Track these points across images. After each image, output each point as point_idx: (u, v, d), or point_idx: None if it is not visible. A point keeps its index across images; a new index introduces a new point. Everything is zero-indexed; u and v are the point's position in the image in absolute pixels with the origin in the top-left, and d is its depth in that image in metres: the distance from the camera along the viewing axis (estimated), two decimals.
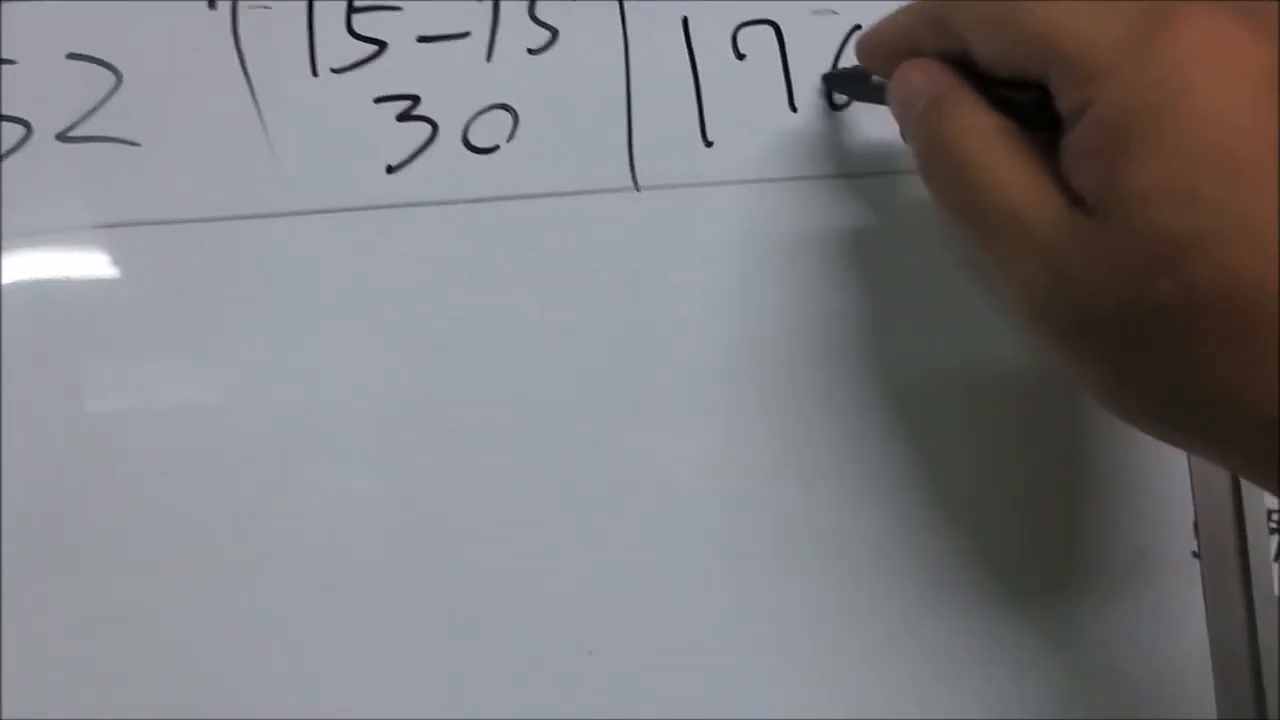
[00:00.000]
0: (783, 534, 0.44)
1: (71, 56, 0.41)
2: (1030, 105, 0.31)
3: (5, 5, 0.40)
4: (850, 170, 0.44)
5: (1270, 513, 0.53)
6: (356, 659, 0.42)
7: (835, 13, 0.44)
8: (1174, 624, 0.47)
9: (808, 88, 0.44)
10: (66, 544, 0.40)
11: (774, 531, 0.44)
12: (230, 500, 0.41)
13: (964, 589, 0.45)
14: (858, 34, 0.40)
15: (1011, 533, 0.45)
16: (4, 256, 0.40)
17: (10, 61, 0.40)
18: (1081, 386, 0.32)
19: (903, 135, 0.36)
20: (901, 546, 0.45)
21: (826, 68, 0.44)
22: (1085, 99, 0.29)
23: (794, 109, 0.44)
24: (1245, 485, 0.46)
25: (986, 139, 0.32)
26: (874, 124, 0.44)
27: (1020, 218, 0.30)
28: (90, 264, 0.41)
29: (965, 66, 0.33)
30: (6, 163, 0.40)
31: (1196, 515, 0.46)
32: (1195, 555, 0.47)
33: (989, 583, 0.45)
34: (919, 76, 0.35)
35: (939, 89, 0.34)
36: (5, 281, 0.40)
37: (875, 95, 0.38)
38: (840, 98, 0.44)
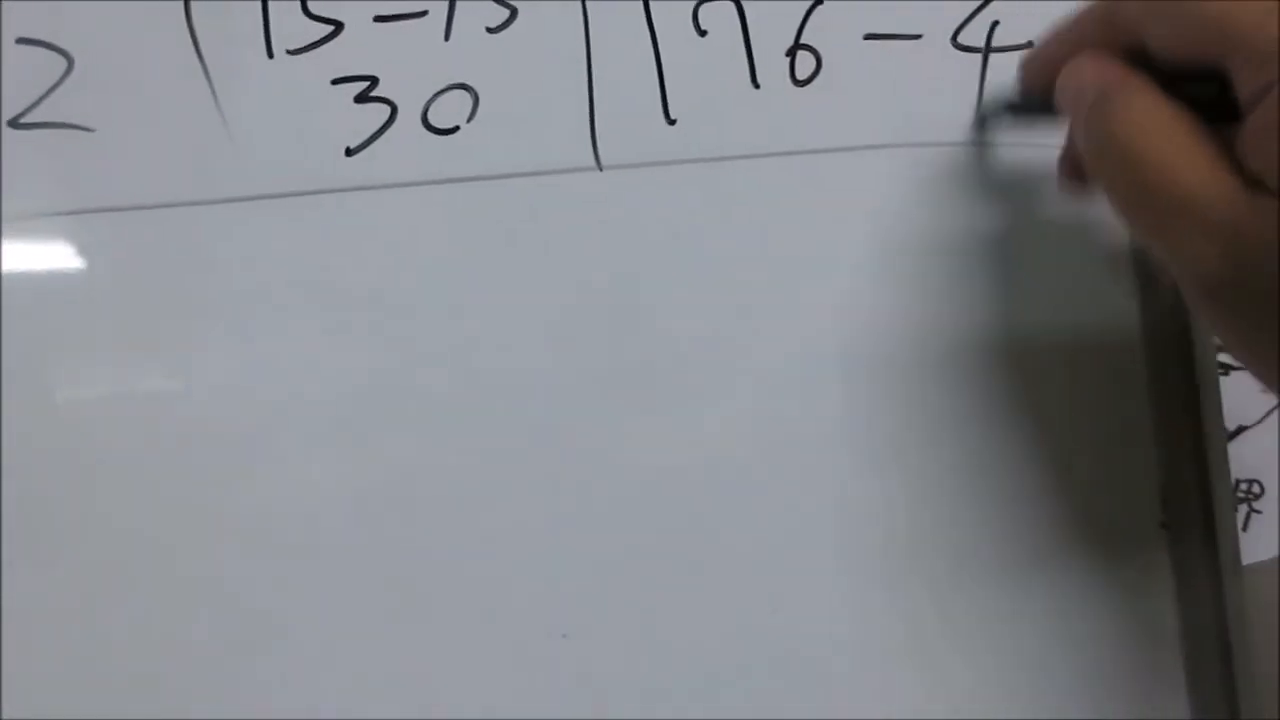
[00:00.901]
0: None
1: (21, 41, 0.40)
2: (1207, 95, 0.31)
3: None
4: (814, 146, 0.44)
5: (1239, 483, 0.54)
6: (345, 655, 0.41)
7: None
8: (1142, 593, 0.47)
9: (770, 63, 0.44)
10: (34, 537, 0.40)
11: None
12: (194, 489, 0.41)
13: (934, 560, 0.45)
14: (1024, 55, 0.40)
15: (985, 508, 0.45)
16: None
17: None
18: (1253, 367, 0.32)
19: (1071, 134, 0.36)
20: (886, 526, 0.45)
21: (789, 43, 0.44)
22: (1268, 79, 0.29)
23: (756, 85, 0.44)
24: (1212, 455, 0.47)
25: (1161, 125, 0.32)
26: (837, 100, 0.44)
27: (1196, 199, 0.30)
28: (46, 252, 0.41)
29: (1137, 61, 0.33)
30: None
31: (1164, 487, 0.47)
32: (1163, 526, 0.47)
33: (962, 555, 0.45)
34: (1091, 68, 0.34)
35: (1111, 80, 0.33)
36: None
37: (1050, 111, 0.38)
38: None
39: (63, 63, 0.40)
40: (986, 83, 0.45)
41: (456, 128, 0.42)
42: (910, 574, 0.45)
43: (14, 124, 0.40)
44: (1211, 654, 0.47)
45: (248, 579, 0.41)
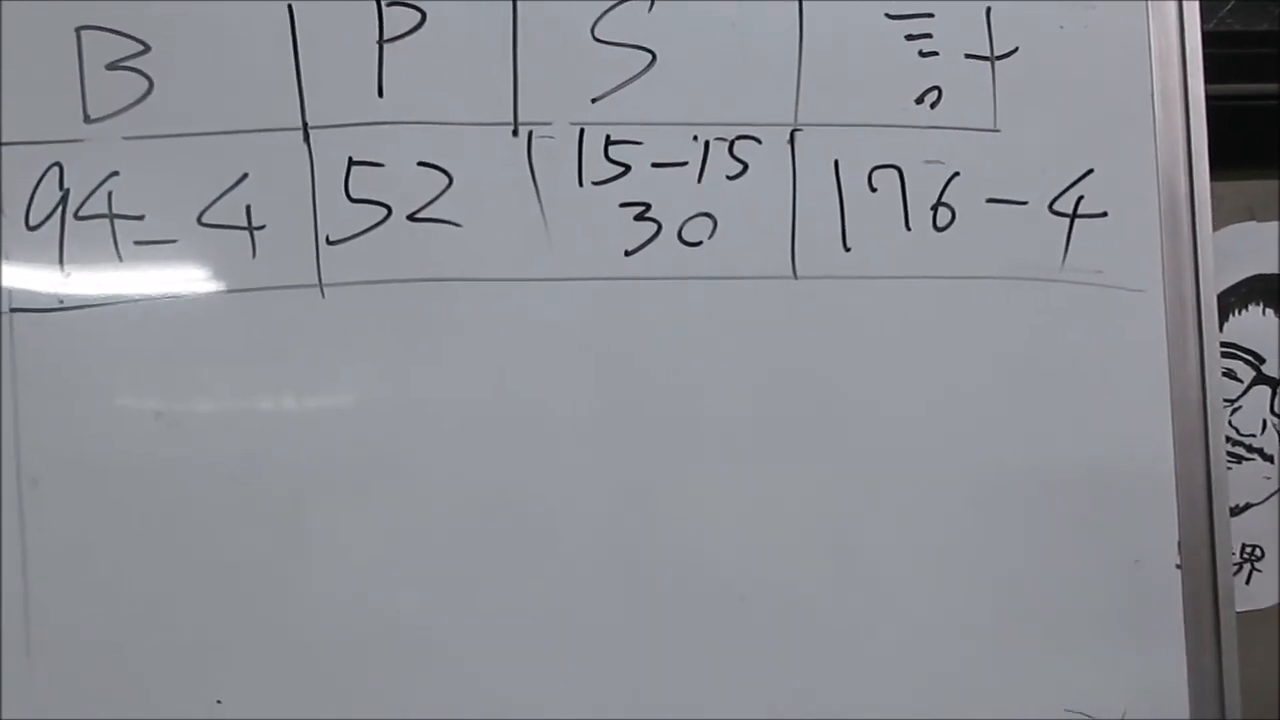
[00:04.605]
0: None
1: (421, 164, 0.60)
2: None
3: None
4: (946, 274, 0.63)
5: (1244, 546, 0.71)
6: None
7: (942, 162, 0.63)
8: (1157, 622, 0.64)
9: (919, 214, 0.63)
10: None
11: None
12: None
13: (979, 591, 0.63)
14: None
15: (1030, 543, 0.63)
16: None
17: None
18: None
19: None
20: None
21: (934, 201, 0.63)
22: None
23: (908, 229, 0.63)
24: (1217, 510, 0.64)
25: None
26: (964, 242, 0.63)
27: None
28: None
29: None
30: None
31: (1180, 534, 0.64)
32: (1178, 567, 0.64)
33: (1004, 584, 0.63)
34: None
35: None
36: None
37: None
38: None
39: (443, 180, 0.60)
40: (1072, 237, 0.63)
41: (700, 242, 0.62)
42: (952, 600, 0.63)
43: (411, 217, 0.60)
44: (1210, 681, 0.64)
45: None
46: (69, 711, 0.57)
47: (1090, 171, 0.64)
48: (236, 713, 0.58)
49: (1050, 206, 0.64)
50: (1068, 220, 0.64)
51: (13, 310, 0.57)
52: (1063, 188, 0.64)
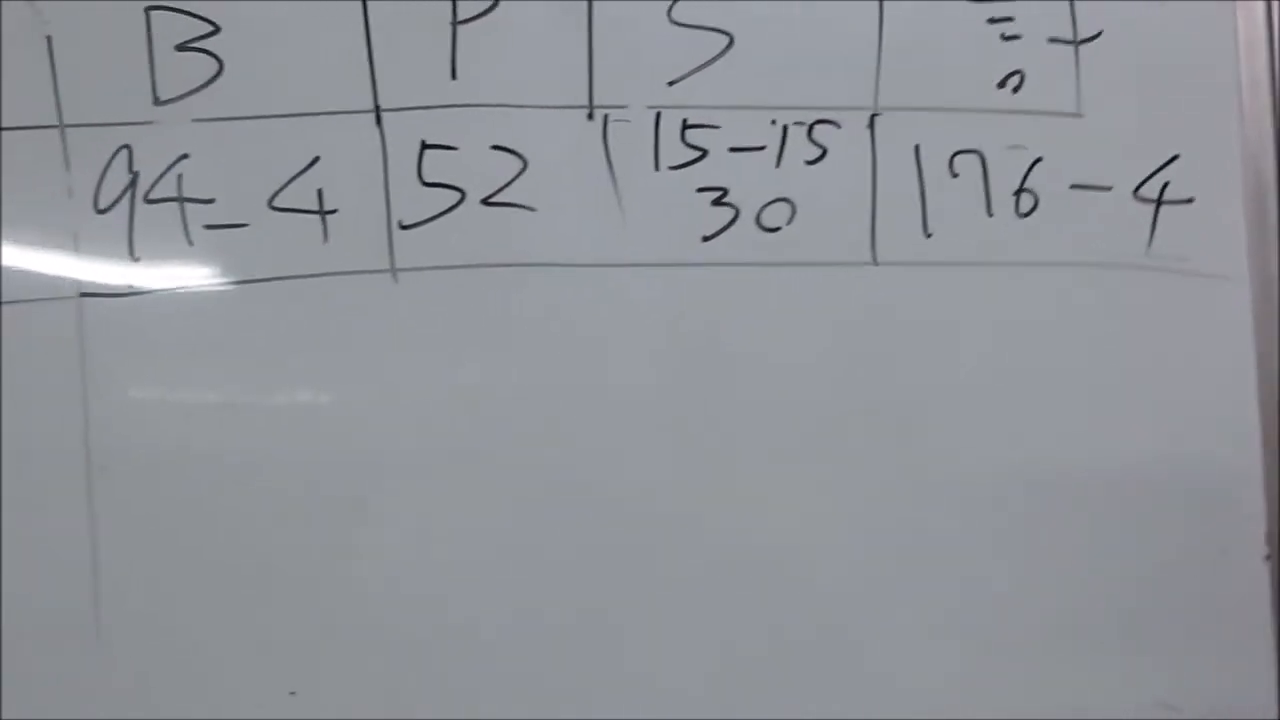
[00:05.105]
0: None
1: (495, 148, 0.59)
2: None
3: None
4: (1028, 261, 0.62)
5: None
6: None
7: (1024, 147, 0.62)
8: (1245, 615, 0.63)
9: (1001, 200, 0.62)
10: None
11: None
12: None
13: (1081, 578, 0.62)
14: None
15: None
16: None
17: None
18: None
19: None
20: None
21: (1016, 187, 0.62)
22: None
23: (990, 214, 0.62)
24: None
25: None
26: (1046, 229, 0.62)
27: None
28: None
29: None
30: None
31: (1269, 525, 0.63)
32: (1267, 559, 0.63)
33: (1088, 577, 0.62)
34: None
35: None
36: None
37: None
38: None
39: (518, 163, 0.59)
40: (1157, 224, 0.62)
41: (779, 228, 0.60)
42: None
43: (486, 201, 0.59)
44: None
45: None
46: (139, 699, 0.56)
47: (1176, 157, 0.63)
48: (310, 704, 0.57)
49: (1135, 192, 0.63)
50: (1153, 206, 0.63)
51: (82, 295, 0.56)
52: (1148, 173, 0.63)
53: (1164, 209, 0.63)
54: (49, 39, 0.56)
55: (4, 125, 0.56)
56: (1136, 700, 0.61)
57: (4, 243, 0.56)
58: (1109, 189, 0.62)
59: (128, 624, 0.56)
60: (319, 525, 0.58)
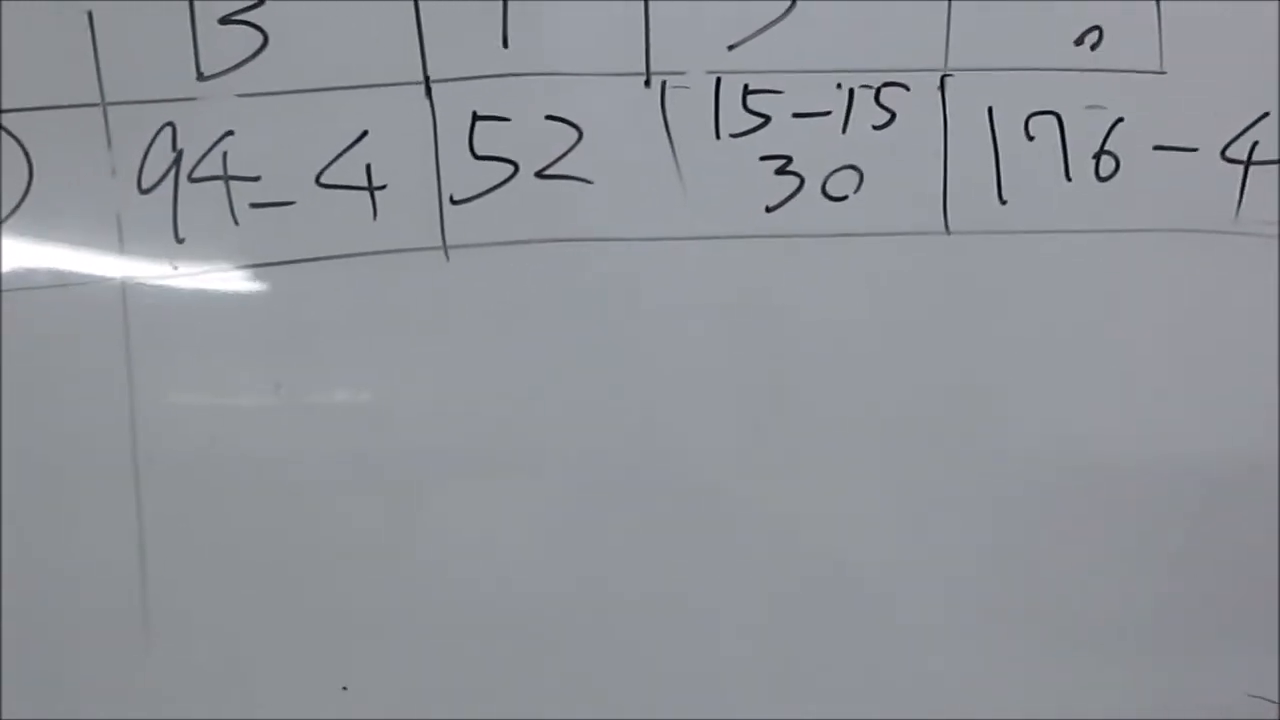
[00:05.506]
0: None
1: (549, 118, 0.57)
2: None
3: None
4: (1109, 228, 0.59)
5: None
6: None
7: (1104, 107, 0.58)
8: None
9: (1080, 163, 0.59)
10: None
11: None
12: None
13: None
14: None
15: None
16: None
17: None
18: None
19: None
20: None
21: (1096, 149, 0.59)
22: None
23: (1069, 179, 0.59)
24: None
25: None
26: (1128, 194, 0.59)
27: None
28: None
29: None
30: None
31: None
32: None
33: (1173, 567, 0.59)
34: None
35: None
36: None
37: None
38: None
39: (573, 134, 0.57)
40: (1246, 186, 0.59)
41: (845, 197, 0.58)
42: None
43: (539, 175, 0.57)
44: None
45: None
46: (189, 695, 0.55)
47: (1265, 115, 0.59)
48: (362, 699, 0.55)
49: (1223, 154, 0.59)
50: (1242, 168, 0.59)
51: (126, 277, 0.55)
52: (1236, 133, 0.59)
53: (1253, 170, 0.59)
54: (90, 14, 0.54)
55: (46, 104, 0.54)
56: (1231, 688, 0.58)
57: (47, 226, 0.54)
58: (1194, 150, 0.59)
59: (177, 618, 0.55)
60: (371, 514, 0.56)
